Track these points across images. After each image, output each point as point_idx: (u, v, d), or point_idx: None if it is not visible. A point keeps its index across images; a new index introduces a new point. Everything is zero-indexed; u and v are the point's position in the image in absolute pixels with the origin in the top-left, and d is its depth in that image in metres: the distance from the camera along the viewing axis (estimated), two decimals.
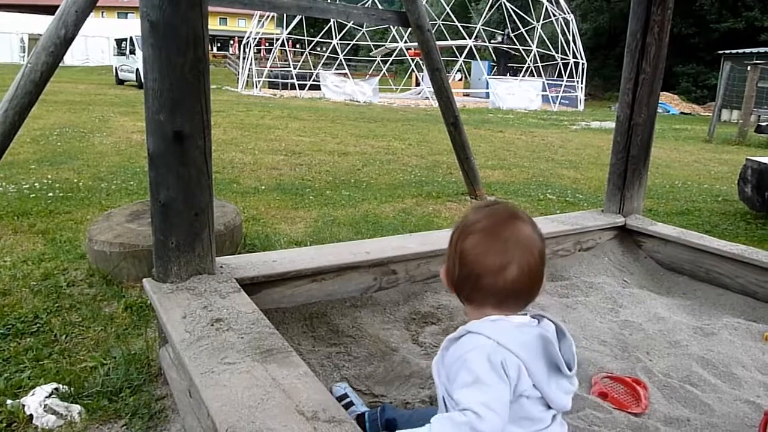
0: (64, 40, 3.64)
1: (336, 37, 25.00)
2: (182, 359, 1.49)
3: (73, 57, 33.33)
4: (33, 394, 1.89)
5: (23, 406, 1.83)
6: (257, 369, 1.42)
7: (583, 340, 2.14)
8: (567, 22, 24.25)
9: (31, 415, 1.80)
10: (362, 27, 27.30)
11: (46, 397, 1.89)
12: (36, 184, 4.93)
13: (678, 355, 2.07)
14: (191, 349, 1.51)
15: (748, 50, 21.57)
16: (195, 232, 1.92)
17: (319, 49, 28.69)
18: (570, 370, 1.18)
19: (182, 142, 1.82)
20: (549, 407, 1.18)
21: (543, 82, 23.69)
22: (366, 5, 23.43)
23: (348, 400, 1.77)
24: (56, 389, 1.94)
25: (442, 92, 5.01)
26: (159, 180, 1.86)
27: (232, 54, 40.15)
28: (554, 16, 24.28)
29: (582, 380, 1.87)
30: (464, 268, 1.22)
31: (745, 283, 2.72)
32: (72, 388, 1.96)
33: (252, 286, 2.05)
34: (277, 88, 24.26)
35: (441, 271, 1.30)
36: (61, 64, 3.79)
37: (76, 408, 1.84)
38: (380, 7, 23.42)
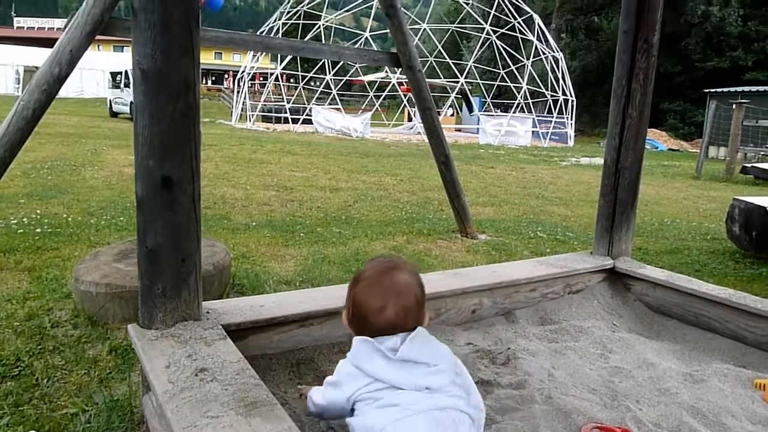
0: (57, 78, 3.67)
1: (329, 73, 25.33)
2: (164, 412, 1.46)
3: (67, 89, 33.47)
4: None
5: None
6: (240, 423, 1.40)
7: (572, 388, 2.12)
8: (556, 60, 24.76)
9: None
10: (356, 63, 27.70)
11: None
12: (24, 219, 4.90)
13: (668, 404, 2.05)
14: (174, 401, 1.48)
15: (733, 89, 22.06)
16: (182, 278, 1.91)
17: (312, 83, 29.05)
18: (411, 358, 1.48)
19: (171, 188, 1.82)
20: (402, 388, 1.45)
21: (533, 119, 24.04)
22: (359, 44, 23.86)
23: None
24: None
25: (433, 131, 5.07)
26: (147, 225, 1.86)
27: (226, 88, 40.56)
28: (544, 54, 24.81)
29: (571, 431, 1.85)
30: (355, 310, 1.56)
31: (735, 328, 2.72)
32: None
33: (238, 332, 2.02)
34: (271, 122, 24.47)
35: (343, 314, 1.63)
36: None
37: None
38: (373, 45, 23.83)
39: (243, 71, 25.84)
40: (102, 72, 35.53)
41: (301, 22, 25.05)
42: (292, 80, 30.99)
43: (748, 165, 12.41)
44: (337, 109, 24.30)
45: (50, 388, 2.26)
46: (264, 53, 25.81)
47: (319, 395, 1.64)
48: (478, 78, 25.81)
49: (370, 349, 1.49)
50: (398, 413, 1.41)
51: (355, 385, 1.49)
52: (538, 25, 24.91)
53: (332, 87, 24.79)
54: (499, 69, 25.49)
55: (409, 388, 1.45)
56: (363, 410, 1.49)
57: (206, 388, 1.55)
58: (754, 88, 21.89)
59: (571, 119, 25.24)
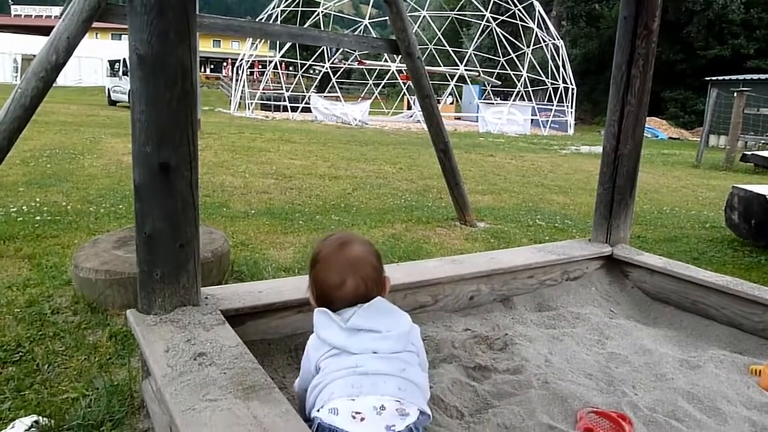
0: (54, 66, 3.65)
1: (329, 60, 25.21)
2: (164, 395, 1.47)
3: (66, 77, 33.41)
4: (13, 427, 1.86)
5: None
6: (239, 406, 1.41)
7: (569, 374, 2.13)
8: (557, 48, 24.66)
9: None
10: (355, 51, 27.57)
11: (26, 430, 1.85)
12: (24, 207, 4.90)
13: (664, 389, 2.06)
14: (173, 385, 1.50)
15: (734, 77, 21.99)
16: (180, 263, 1.91)
17: (311, 71, 28.92)
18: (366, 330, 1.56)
19: (168, 174, 1.82)
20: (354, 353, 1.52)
21: (533, 107, 23.97)
22: (358, 31, 23.73)
23: None
24: (36, 422, 1.90)
25: (432, 119, 5.06)
26: (145, 211, 1.86)
27: (225, 76, 40.38)
28: (544, 42, 24.70)
29: (567, 415, 1.86)
30: (318, 290, 1.65)
31: (731, 315, 2.73)
32: (53, 421, 1.92)
33: (237, 317, 2.04)
34: (270, 110, 24.40)
35: (309, 297, 1.71)
36: (53, 85, 3.80)
37: None
38: (372, 33, 23.71)
39: (242, 59, 25.72)
40: (100, 60, 35.43)
41: (299, 9, 24.91)
42: (291, 68, 30.87)
43: (749, 153, 12.38)
44: (336, 98, 24.22)
45: (51, 374, 2.27)
46: (262, 40, 25.70)
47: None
48: (477, 66, 25.71)
49: (327, 320, 1.59)
50: (339, 372, 1.50)
51: (318, 353, 1.59)
52: (539, 12, 24.76)
53: (331, 75, 24.71)
54: (499, 57, 25.40)
55: (359, 351, 1.53)
56: (318, 374, 1.58)
57: (205, 372, 1.56)
58: (755, 76, 21.84)
59: (572, 107, 25.18)
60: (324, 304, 1.63)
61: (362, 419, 1.40)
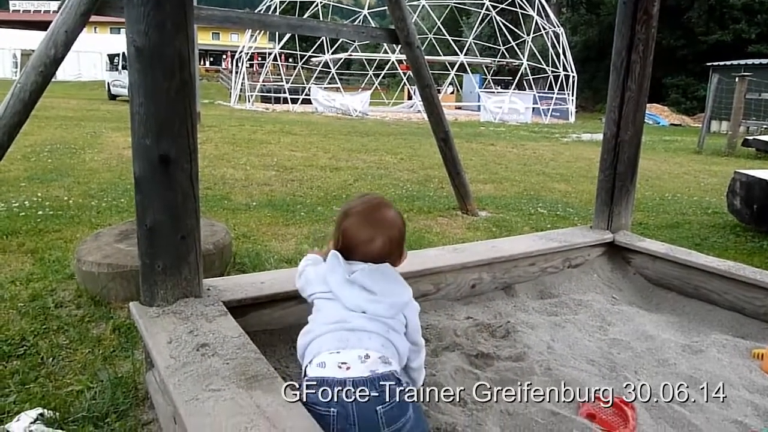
0: (53, 60, 3.65)
1: (328, 52, 25.12)
2: (167, 386, 1.48)
3: (65, 72, 33.37)
4: (18, 420, 1.87)
5: None
6: (242, 396, 1.42)
7: (571, 360, 2.14)
8: (557, 36, 24.52)
9: None
10: (354, 41, 27.46)
11: (32, 423, 1.86)
12: (26, 202, 4.90)
13: (666, 375, 2.07)
14: (176, 376, 1.50)
15: (735, 62, 21.86)
16: (181, 255, 1.92)
17: (311, 63, 28.82)
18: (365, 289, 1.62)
19: (168, 166, 1.82)
20: (348, 309, 1.60)
21: (534, 95, 23.87)
22: (357, 22, 23.62)
23: None
24: (42, 414, 1.91)
25: (433, 108, 5.04)
26: (145, 204, 1.86)
27: (224, 68, 40.23)
28: (544, 29, 24.56)
29: (570, 401, 1.87)
30: (346, 240, 1.70)
31: (733, 299, 2.73)
32: (58, 413, 1.94)
33: (239, 308, 2.04)
34: (270, 102, 24.34)
35: (329, 244, 1.77)
36: (53, 79, 3.79)
37: None
38: (371, 23, 23.59)
39: (241, 51, 25.64)
40: (99, 54, 35.29)
41: (298, 0, 24.78)
42: (290, 60, 30.77)
43: (750, 138, 12.33)
44: (336, 89, 24.16)
45: (55, 367, 2.28)
46: (261, 32, 25.59)
47: (303, 264, 1.85)
48: (477, 54, 25.58)
49: (337, 265, 1.66)
50: (328, 326, 1.59)
51: (317, 287, 1.69)
52: None
53: (331, 66, 24.62)
54: (499, 45, 25.25)
55: (351, 306, 1.61)
56: (313, 312, 1.69)
57: (208, 362, 1.57)
58: (757, 61, 21.69)
59: (573, 95, 25.07)
60: (343, 255, 1.70)
61: (348, 368, 1.49)
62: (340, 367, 1.49)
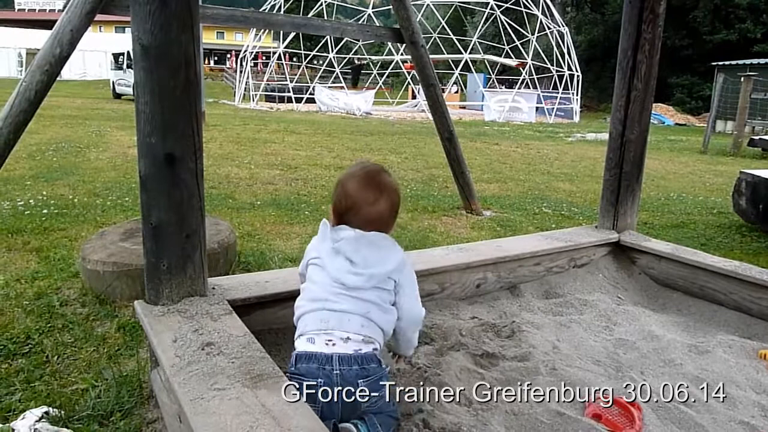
0: (59, 59, 3.65)
1: (332, 51, 25.12)
2: (172, 385, 1.48)
3: (70, 71, 33.45)
4: (23, 418, 1.87)
5: (13, 430, 1.81)
6: (247, 395, 1.41)
7: (577, 360, 2.13)
8: (561, 35, 24.45)
9: None
10: (359, 41, 27.45)
11: (37, 421, 1.87)
12: (31, 201, 4.92)
13: (672, 375, 2.06)
14: (181, 375, 1.50)
15: (741, 62, 21.77)
16: (186, 254, 1.92)
17: (315, 62, 28.83)
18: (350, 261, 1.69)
19: (173, 165, 1.82)
20: (332, 280, 1.68)
21: (538, 95, 23.81)
22: (362, 21, 23.61)
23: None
24: (47, 413, 1.92)
25: (437, 107, 5.04)
26: (150, 202, 1.86)
27: (229, 68, 40.25)
28: (549, 28, 24.49)
29: (576, 402, 1.86)
30: (348, 201, 1.74)
31: (739, 300, 2.72)
32: (63, 412, 1.94)
33: (244, 307, 2.04)
34: (274, 102, 24.35)
35: (329, 208, 1.84)
36: (58, 78, 3.80)
37: None
38: (376, 22, 23.57)
39: (245, 51, 25.65)
40: (104, 53, 35.39)
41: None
42: (294, 59, 30.77)
43: (756, 138, 12.28)
44: (340, 88, 24.15)
45: (60, 365, 2.29)
46: (266, 31, 25.60)
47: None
48: (482, 54, 25.53)
49: (326, 234, 1.74)
50: (313, 305, 1.69)
51: (311, 254, 1.78)
52: None
53: (335, 65, 24.61)
54: (504, 44, 25.19)
55: (331, 275, 1.69)
56: (306, 279, 1.79)
57: (213, 361, 1.57)
58: (762, 61, 21.61)
59: (577, 95, 25.00)
60: (339, 221, 1.76)
61: (333, 344, 1.62)
62: (326, 344, 1.62)
